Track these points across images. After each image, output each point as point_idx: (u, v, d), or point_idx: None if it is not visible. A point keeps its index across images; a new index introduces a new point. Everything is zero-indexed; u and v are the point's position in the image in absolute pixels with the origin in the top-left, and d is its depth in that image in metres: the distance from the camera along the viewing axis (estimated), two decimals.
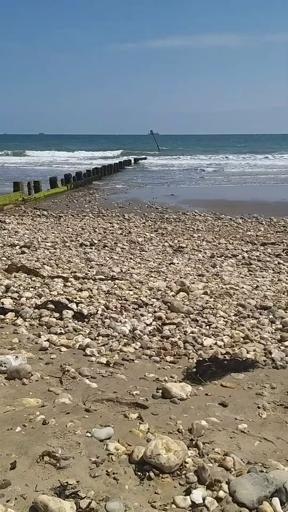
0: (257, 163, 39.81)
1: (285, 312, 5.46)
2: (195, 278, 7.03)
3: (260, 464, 2.64)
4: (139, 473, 2.50)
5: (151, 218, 13.07)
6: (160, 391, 3.48)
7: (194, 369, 3.93)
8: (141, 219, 12.81)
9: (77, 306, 5.41)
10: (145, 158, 45.74)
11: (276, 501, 2.27)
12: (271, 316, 5.30)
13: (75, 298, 5.73)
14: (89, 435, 2.82)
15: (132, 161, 40.96)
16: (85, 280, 6.59)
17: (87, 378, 3.69)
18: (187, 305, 5.61)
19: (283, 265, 8.09)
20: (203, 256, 8.67)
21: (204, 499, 2.29)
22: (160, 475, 2.47)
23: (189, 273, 7.35)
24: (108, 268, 7.43)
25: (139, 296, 5.87)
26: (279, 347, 4.48)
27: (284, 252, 9.11)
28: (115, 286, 6.31)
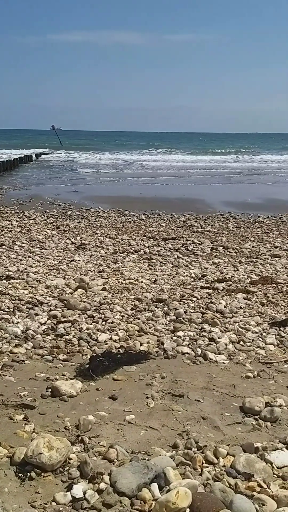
0: (157, 164, 40.32)
1: (179, 303, 5.67)
2: (95, 275, 7.03)
3: (143, 452, 2.72)
4: (20, 475, 2.45)
5: (53, 215, 12.79)
6: (50, 390, 3.44)
7: (87, 365, 3.94)
8: (43, 216, 12.49)
9: None
10: (43, 154, 43.79)
11: (154, 486, 2.35)
12: (165, 308, 5.47)
13: None
14: None
15: (34, 156, 39.30)
16: None
17: None
18: (84, 301, 5.60)
19: (182, 259, 8.40)
20: (105, 253, 8.69)
21: (84, 493, 2.31)
22: (42, 474, 2.44)
23: (90, 270, 7.34)
24: (4, 267, 7.16)
25: (35, 295, 5.74)
26: (172, 338, 4.65)
27: (183, 246, 9.46)
28: (10, 286, 6.10)
